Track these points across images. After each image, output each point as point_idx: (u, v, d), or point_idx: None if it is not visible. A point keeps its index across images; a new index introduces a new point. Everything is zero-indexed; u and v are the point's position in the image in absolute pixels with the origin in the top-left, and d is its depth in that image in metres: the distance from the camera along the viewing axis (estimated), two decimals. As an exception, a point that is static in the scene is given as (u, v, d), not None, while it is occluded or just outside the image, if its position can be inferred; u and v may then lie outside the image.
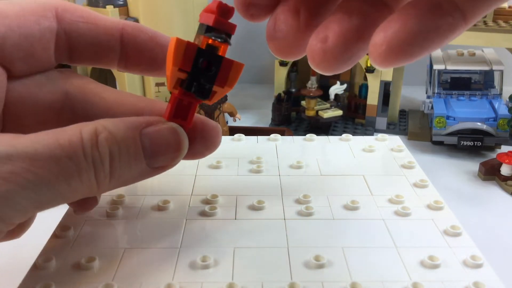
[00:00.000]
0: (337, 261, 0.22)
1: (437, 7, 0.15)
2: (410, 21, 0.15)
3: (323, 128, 0.67)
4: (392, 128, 0.70)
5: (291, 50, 0.18)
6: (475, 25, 0.63)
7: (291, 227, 0.25)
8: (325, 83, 0.70)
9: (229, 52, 0.20)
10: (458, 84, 0.66)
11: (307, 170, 0.31)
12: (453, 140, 0.60)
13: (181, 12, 0.60)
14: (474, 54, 0.66)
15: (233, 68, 0.20)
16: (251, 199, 0.27)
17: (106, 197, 0.27)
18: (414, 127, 0.69)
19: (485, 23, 0.66)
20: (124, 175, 0.20)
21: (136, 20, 0.59)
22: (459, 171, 0.57)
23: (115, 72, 0.61)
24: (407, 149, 0.34)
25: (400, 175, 0.30)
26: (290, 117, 0.71)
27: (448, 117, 0.60)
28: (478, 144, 0.59)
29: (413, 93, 0.83)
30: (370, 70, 0.66)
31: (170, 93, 0.21)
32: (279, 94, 0.71)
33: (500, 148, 0.62)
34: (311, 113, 0.67)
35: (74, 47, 0.23)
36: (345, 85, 0.68)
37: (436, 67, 0.65)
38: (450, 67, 0.64)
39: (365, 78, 0.68)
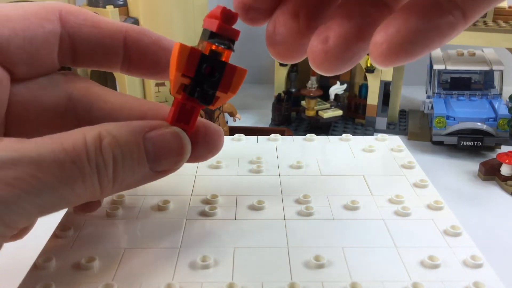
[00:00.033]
0: (337, 261, 0.22)
1: (437, 5, 0.15)
2: (410, 20, 0.15)
3: (323, 128, 0.67)
4: (392, 128, 0.70)
5: (291, 53, 0.18)
6: (475, 25, 0.63)
7: (291, 227, 0.25)
8: (325, 83, 0.70)
9: (229, 52, 0.20)
10: (458, 84, 0.66)
11: (307, 170, 0.31)
12: (453, 140, 0.60)
13: (181, 12, 0.60)
14: (474, 54, 0.66)
15: (237, 74, 0.20)
16: (251, 199, 0.27)
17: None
18: (414, 127, 0.69)
19: (485, 23, 0.66)
20: (127, 179, 0.20)
21: (136, 20, 0.59)
22: (459, 171, 0.57)
23: (115, 72, 0.61)
24: (407, 149, 0.34)
25: (400, 175, 0.30)
26: (290, 117, 0.71)
27: (448, 117, 0.60)
28: (478, 144, 0.59)
29: (413, 93, 0.83)
30: (370, 70, 0.66)
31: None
32: (279, 94, 0.71)
33: (500, 148, 0.62)
34: (311, 113, 0.67)
35: (78, 50, 0.23)
36: (345, 85, 0.68)
37: (436, 67, 0.65)
38: (450, 67, 0.64)
39: (365, 78, 0.68)
